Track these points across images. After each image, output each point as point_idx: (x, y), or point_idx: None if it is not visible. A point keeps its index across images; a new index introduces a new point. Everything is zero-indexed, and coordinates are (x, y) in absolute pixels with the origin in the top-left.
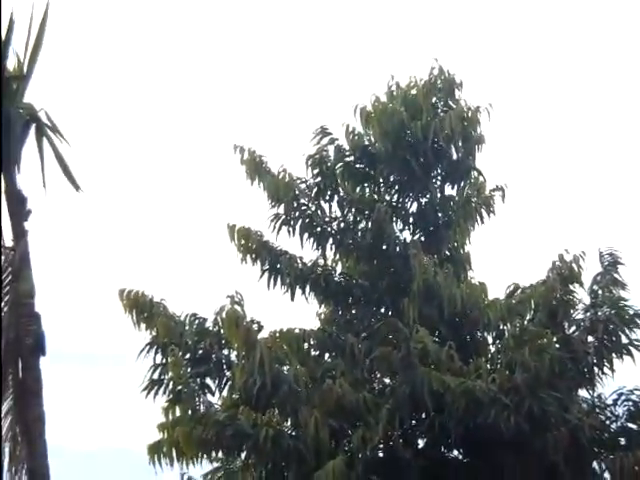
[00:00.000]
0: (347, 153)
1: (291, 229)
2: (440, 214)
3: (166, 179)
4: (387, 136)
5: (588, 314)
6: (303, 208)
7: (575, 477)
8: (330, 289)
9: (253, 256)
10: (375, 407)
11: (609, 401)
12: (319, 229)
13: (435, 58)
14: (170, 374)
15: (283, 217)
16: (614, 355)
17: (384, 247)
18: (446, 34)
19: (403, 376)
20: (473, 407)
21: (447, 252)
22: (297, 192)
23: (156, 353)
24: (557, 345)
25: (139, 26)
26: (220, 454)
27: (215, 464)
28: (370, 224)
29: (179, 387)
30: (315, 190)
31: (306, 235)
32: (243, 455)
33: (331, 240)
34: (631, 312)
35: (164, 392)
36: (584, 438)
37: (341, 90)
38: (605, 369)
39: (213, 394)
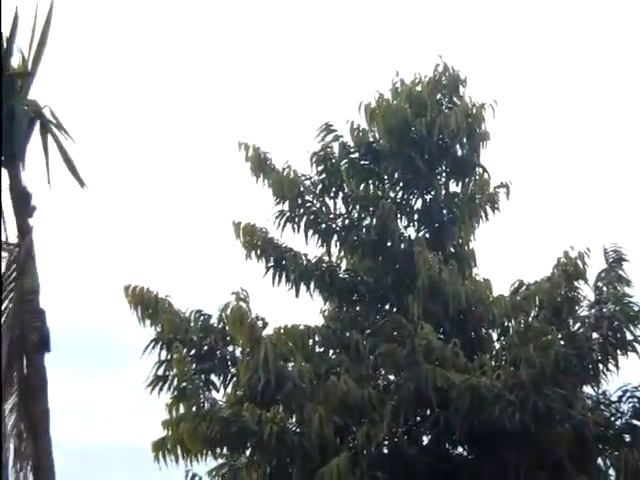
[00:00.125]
0: (352, 150)
1: (296, 226)
2: (445, 211)
3: (171, 176)
4: (392, 133)
5: (593, 311)
6: (308, 205)
7: (579, 473)
8: (335, 286)
9: (258, 253)
10: (380, 404)
11: (614, 398)
12: (324, 226)
13: (440, 55)
14: (175, 370)
15: (288, 214)
16: (619, 352)
17: (389, 244)
18: (451, 31)
19: (408, 373)
20: (478, 403)
21: (452, 249)
22: (302, 189)
23: (161, 349)
24: (562, 342)
25: (143, 23)
26: (225, 451)
27: (220, 461)
28: (375, 221)
29: (184, 384)
30: (320, 187)
31: (311, 232)
32: (248, 452)
33: (336, 237)
34: (636, 309)
35: (169, 388)
36: (589, 434)
37: (345, 87)
38: (610, 366)
39: (218, 390)
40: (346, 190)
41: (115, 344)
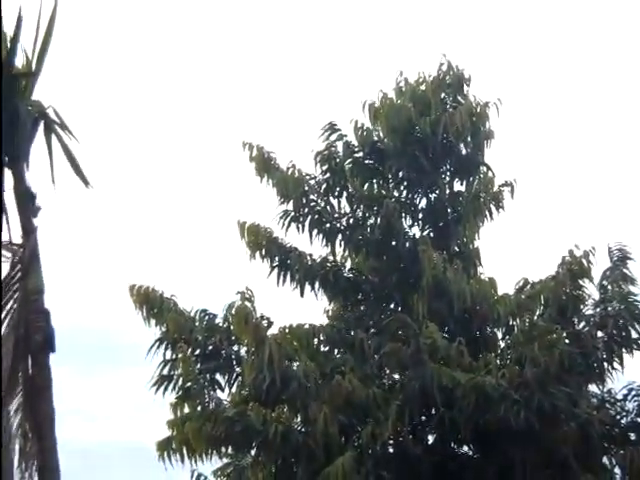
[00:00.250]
0: (356, 149)
1: (300, 225)
2: (449, 210)
3: (176, 176)
4: (396, 132)
5: (598, 309)
6: (312, 204)
7: (585, 472)
8: (339, 285)
9: (263, 252)
10: (385, 403)
11: (619, 396)
12: (328, 225)
13: (444, 54)
14: (180, 370)
15: (292, 213)
16: (624, 350)
17: (393, 243)
18: (455, 30)
19: (413, 372)
20: (483, 402)
21: (456, 248)
22: (306, 188)
23: (166, 349)
24: (567, 340)
25: (147, 23)
26: (230, 450)
27: (225, 460)
28: (379, 220)
29: (188, 383)
30: (324, 186)
31: (315, 231)
32: (253, 451)
33: (340, 236)
34: None
35: (173, 388)
36: (594, 433)
37: (350, 86)
38: (615, 364)
39: (223, 390)
40: (350, 189)
41: (117, 344)
